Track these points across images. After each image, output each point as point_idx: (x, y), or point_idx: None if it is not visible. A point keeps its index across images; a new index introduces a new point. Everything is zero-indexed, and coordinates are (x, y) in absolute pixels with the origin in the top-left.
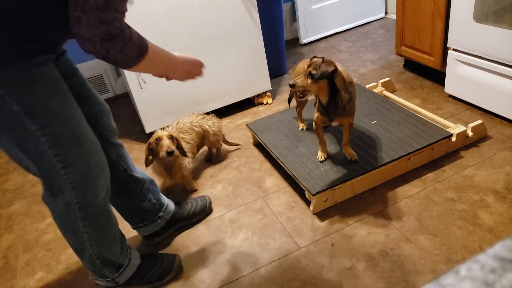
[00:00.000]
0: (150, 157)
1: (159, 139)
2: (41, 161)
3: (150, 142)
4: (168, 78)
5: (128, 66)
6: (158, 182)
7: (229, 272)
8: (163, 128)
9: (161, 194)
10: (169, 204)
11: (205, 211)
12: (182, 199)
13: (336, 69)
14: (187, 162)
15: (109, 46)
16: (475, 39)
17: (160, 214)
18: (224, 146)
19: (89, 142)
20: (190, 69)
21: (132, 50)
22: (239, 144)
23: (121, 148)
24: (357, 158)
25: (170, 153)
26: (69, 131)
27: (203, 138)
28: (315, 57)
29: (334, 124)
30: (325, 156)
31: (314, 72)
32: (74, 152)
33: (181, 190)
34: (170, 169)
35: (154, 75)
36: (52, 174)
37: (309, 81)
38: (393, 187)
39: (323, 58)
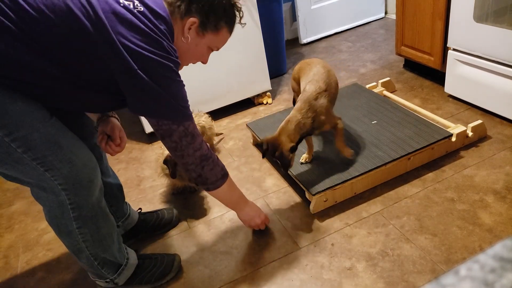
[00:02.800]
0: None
1: None
2: (18, 165)
3: (169, 160)
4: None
5: (214, 187)
6: (168, 182)
7: (229, 272)
8: None
9: (127, 203)
10: (132, 215)
11: (170, 224)
12: (183, 199)
13: (291, 147)
14: None
15: (204, 165)
16: (475, 39)
17: (119, 223)
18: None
19: (69, 143)
20: (254, 217)
21: (218, 171)
22: (222, 134)
23: (96, 148)
24: (352, 153)
25: None
26: (40, 135)
27: (202, 134)
28: (259, 145)
29: (317, 133)
30: (308, 160)
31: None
32: (53, 155)
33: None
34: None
35: (226, 205)
36: (36, 176)
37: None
38: (393, 187)
39: (267, 145)
